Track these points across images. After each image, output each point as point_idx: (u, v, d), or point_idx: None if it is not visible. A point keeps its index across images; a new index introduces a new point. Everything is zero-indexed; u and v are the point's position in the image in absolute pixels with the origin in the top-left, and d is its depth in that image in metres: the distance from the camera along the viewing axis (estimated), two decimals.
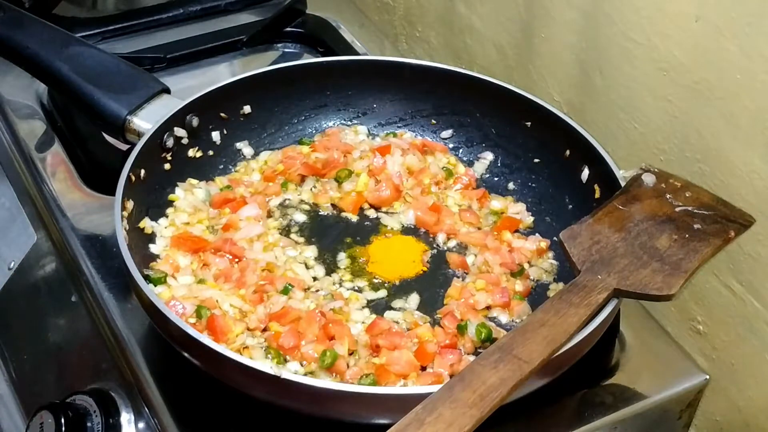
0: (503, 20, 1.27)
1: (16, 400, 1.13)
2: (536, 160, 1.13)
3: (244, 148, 1.17)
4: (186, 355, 0.88)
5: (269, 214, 1.09)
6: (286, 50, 1.46)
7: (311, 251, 1.05)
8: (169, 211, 1.06)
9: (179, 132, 1.09)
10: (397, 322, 0.97)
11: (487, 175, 1.17)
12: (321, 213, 1.11)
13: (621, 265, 0.89)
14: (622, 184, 0.99)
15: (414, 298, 1.01)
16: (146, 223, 1.02)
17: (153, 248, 1.02)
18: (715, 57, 0.95)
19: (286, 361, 0.91)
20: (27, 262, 1.17)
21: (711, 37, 0.95)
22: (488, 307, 0.99)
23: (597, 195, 1.04)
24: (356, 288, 1.02)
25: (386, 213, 1.12)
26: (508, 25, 1.27)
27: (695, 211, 0.95)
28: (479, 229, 1.09)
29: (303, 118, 1.21)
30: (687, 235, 0.92)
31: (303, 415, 0.86)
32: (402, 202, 1.12)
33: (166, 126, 1.07)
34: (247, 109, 1.16)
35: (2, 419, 1.14)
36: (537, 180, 1.13)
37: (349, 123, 1.21)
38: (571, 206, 1.08)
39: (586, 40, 1.13)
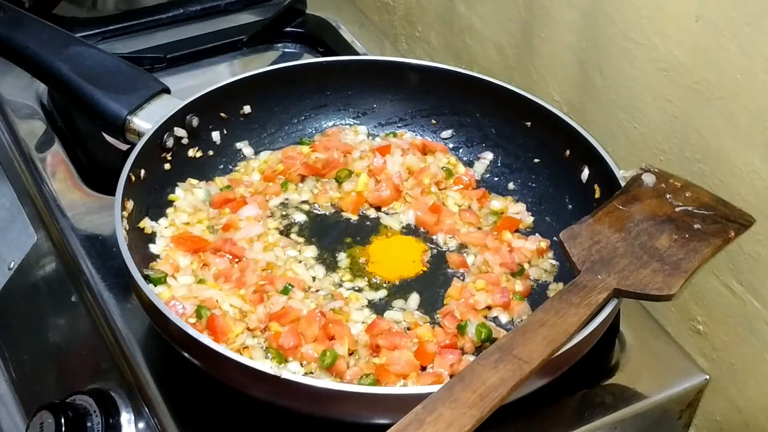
0: (503, 20, 1.27)
1: (16, 400, 1.13)
2: (536, 160, 1.13)
3: (244, 148, 1.17)
4: (186, 355, 0.88)
5: (269, 214, 1.09)
6: (286, 50, 1.46)
7: (311, 251, 1.05)
8: (169, 211, 1.07)
9: (179, 132, 1.09)
10: (397, 322, 0.97)
11: (487, 175, 1.17)
12: (321, 213, 1.11)
13: (621, 265, 0.89)
14: (622, 184, 0.99)
15: (414, 298, 1.01)
16: (146, 223, 1.02)
17: (153, 248, 1.02)
18: (715, 57, 0.95)
19: (286, 361, 0.91)
20: (27, 262, 1.17)
21: (711, 37, 0.95)
22: (488, 307, 0.99)
23: (597, 195, 1.04)
24: (356, 288, 1.02)
25: (386, 213, 1.12)
26: (508, 25, 1.27)
27: (695, 211, 0.95)
28: (479, 229, 1.10)
29: (303, 118, 1.21)
30: (687, 235, 0.92)
31: (303, 415, 0.86)
32: (402, 202, 1.12)
33: (166, 126, 1.07)
34: (247, 109, 1.16)
35: (2, 419, 1.14)
36: (537, 180, 1.13)
37: (349, 123, 1.22)
38: (571, 206, 1.08)
39: (586, 40, 1.13)
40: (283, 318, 0.93)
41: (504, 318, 0.99)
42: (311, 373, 0.90)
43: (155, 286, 0.96)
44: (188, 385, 0.93)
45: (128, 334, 0.99)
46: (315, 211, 1.11)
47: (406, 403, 0.76)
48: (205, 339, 0.84)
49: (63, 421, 0.94)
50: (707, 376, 1.00)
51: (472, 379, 0.78)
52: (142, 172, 1.02)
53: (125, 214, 0.97)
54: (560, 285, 1.02)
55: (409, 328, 0.96)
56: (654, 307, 1.05)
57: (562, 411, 0.94)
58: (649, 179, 0.98)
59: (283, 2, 1.47)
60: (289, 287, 0.97)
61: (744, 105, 0.93)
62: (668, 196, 0.97)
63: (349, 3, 1.56)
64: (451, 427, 0.74)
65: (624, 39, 1.06)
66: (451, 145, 1.19)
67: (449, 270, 1.05)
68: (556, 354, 0.81)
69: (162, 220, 1.05)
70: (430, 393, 0.77)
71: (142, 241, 1.01)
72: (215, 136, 1.14)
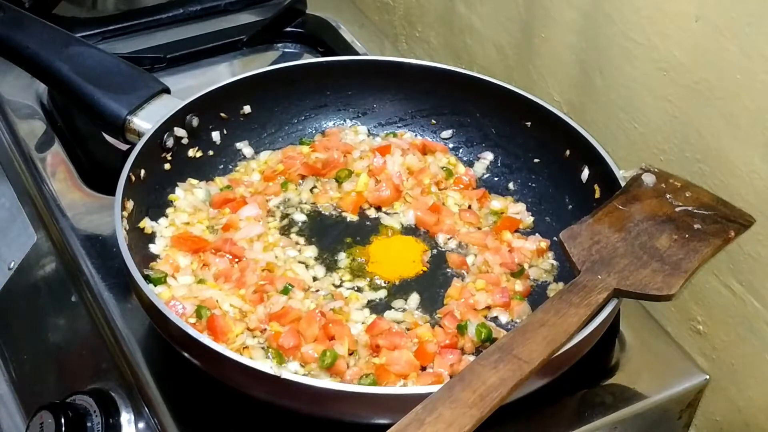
0: (503, 20, 1.27)
1: (16, 400, 1.13)
2: (536, 160, 1.13)
3: (244, 148, 1.17)
4: (186, 355, 0.88)
5: (269, 214, 1.09)
6: (286, 50, 1.46)
7: (311, 251, 1.05)
8: (169, 211, 1.06)
9: (179, 132, 1.09)
10: (397, 322, 0.97)
11: (487, 175, 1.17)
12: (321, 213, 1.11)
13: (621, 265, 0.89)
14: (622, 184, 0.99)
15: (414, 298, 1.01)
16: (146, 223, 1.02)
17: (153, 248, 1.02)
18: (715, 57, 0.95)
19: (286, 361, 0.91)
20: (27, 262, 1.17)
21: (711, 37, 0.95)
22: (488, 307, 0.99)
23: (597, 195, 1.04)
24: (356, 288, 1.02)
25: (386, 213, 1.12)
26: (508, 25, 1.27)
27: (695, 211, 0.95)
28: (479, 229, 1.10)
29: (303, 118, 1.21)
30: (687, 235, 0.92)
31: (303, 415, 0.86)
32: (402, 202, 1.12)
33: (166, 126, 1.07)
34: (247, 109, 1.16)
35: (2, 419, 1.14)
36: (537, 180, 1.13)
37: (349, 123, 1.22)
38: (571, 206, 1.08)
39: (586, 40, 1.13)
40: (283, 318, 0.93)
41: (504, 318, 0.99)
42: (311, 373, 0.90)
43: (155, 286, 0.96)
44: (188, 385, 0.93)
45: (128, 334, 0.99)
46: (315, 211, 1.11)
47: (406, 403, 0.76)
48: (205, 339, 0.84)
49: (63, 421, 0.94)
50: (707, 376, 1.00)
51: (472, 379, 0.78)
52: (142, 172, 1.02)
53: (125, 214, 0.97)
54: (560, 285, 1.02)
55: (409, 328, 0.96)
56: (654, 307, 1.05)
57: (562, 411, 0.94)
58: (649, 179, 0.98)
59: (283, 2, 1.47)
60: (289, 287, 0.97)
61: (744, 105, 0.93)
62: (668, 196, 0.97)
63: (349, 3, 1.56)
64: (451, 427, 0.74)
65: (624, 39, 1.06)
66: (451, 145, 1.19)
67: (449, 270, 1.05)
68: (556, 354, 0.81)
69: (162, 220, 1.05)
70: (430, 393, 0.77)
71: (142, 241, 1.01)
72: (215, 136, 1.14)
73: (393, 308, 1.00)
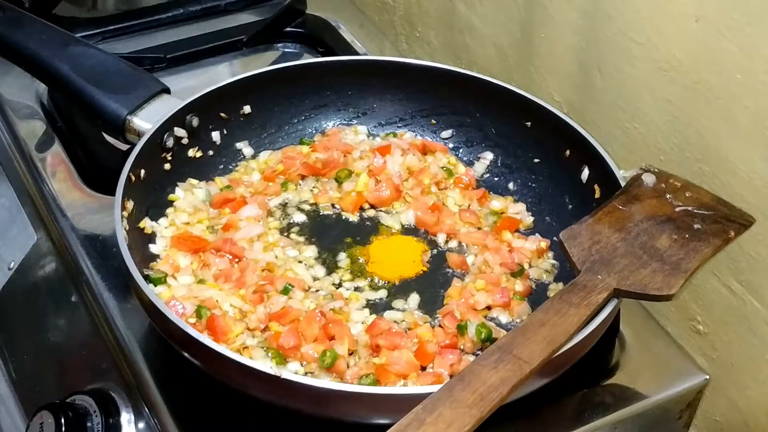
0: (503, 20, 1.27)
1: (16, 400, 1.13)
2: (536, 160, 1.13)
3: (244, 148, 1.17)
4: (186, 355, 0.88)
5: (269, 214, 1.09)
6: (286, 50, 1.46)
7: (311, 251, 1.05)
8: (169, 211, 1.06)
9: (179, 132, 1.09)
10: (397, 322, 0.97)
11: (487, 175, 1.17)
12: (321, 213, 1.11)
13: (621, 265, 0.89)
14: (622, 184, 0.99)
15: (414, 298, 1.01)
16: (146, 223, 1.02)
17: (153, 248, 1.02)
18: (715, 57, 0.95)
19: (286, 361, 0.91)
20: (27, 262, 1.17)
21: (711, 37, 0.95)
22: (488, 307, 0.99)
23: (597, 195, 1.04)
24: (356, 288, 1.02)
25: (386, 213, 1.12)
26: (508, 25, 1.27)
27: (695, 211, 0.95)
28: (479, 229, 1.09)
29: (303, 118, 1.21)
30: (687, 235, 0.92)
31: (303, 415, 0.86)
32: (402, 202, 1.12)
33: (166, 126, 1.07)
34: (247, 109, 1.16)
35: (2, 419, 1.14)
36: (537, 180, 1.13)
37: (349, 123, 1.21)
38: (571, 206, 1.08)
39: (586, 40, 1.13)
40: (283, 318, 0.93)
41: (504, 318, 0.99)
42: (311, 373, 0.90)
43: (155, 286, 0.96)
44: (188, 385, 0.93)
45: (128, 334, 0.99)
46: (315, 211, 1.11)
47: (406, 403, 0.76)
48: (205, 339, 0.84)
49: (63, 421, 0.94)
50: (707, 376, 1.00)
51: (472, 379, 0.78)
52: (142, 172, 1.02)
53: (125, 214, 0.97)
54: (560, 285, 1.02)
55: (409, 328, 0.96)
56: (654, 307, 1.05)
57: (562, 411, 0.94)
58: (649, 179, 0.98)
59: (283, 2, 1.47)
60: (289, 287, 0.97)
61: (744, 105, 0.93)
62: (668, 196, 0.97)
63: (349, 3, 1.56)
64: (451, 427, 0.74)
65: (624, 39, 1.06)
66: (451, 145, 1.19)
67: (449, 270, 1.05)
68: (556, 354, 0.81)
69: (162, 220, 1.05)
70: (430, 393, 0.77)
71: (142, 241, 1.01)
72: (215, 136, 1.14)
73: (393, 308, 1.00)
